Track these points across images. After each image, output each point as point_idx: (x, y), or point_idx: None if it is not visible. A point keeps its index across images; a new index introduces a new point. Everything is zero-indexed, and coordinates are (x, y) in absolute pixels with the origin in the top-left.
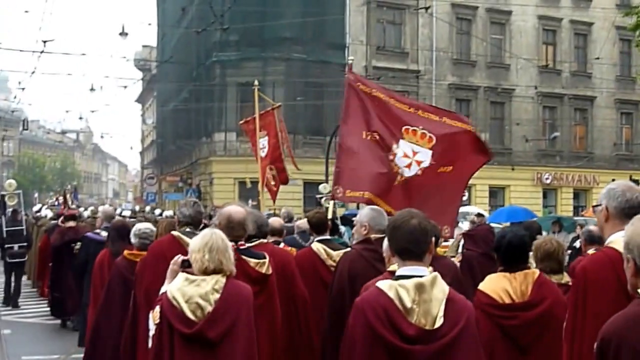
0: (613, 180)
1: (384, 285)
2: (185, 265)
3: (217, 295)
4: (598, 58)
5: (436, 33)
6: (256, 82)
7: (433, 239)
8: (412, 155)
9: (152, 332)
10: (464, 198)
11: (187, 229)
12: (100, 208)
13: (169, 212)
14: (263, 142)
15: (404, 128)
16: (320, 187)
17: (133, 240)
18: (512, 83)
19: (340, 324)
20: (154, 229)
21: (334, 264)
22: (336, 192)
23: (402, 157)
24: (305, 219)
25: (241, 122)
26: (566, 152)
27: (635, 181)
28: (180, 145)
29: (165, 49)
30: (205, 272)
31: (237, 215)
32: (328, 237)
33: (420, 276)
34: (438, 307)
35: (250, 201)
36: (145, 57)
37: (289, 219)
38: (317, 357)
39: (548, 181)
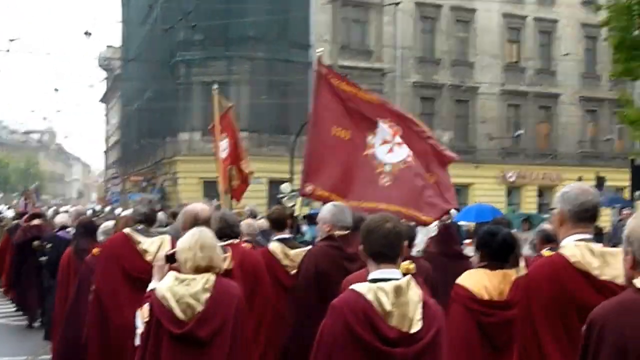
0: (580, 178)
1: (362, 288)
2: (170, 261)
3: (208, 295)
4: (567, 54)
5: (401, 31)
6: (215, 86)
7: (406, 242)
8: (391, 138)
9: (140, 330)
10: None
11: (140, 227)
12: (72, 209)
13: (129, 211)
14: (224, 144)
15: (380, 118)
16: (282, 186)
17: (101, 237)
18: (477, 81)
19: (306, 322)
20: None
21: (290, 264)
22: (306, 189)
23: (380, 144)
24: (264, 220)
25: (210, 127)
26: (530, 149)
27: (602, 178)
28: (144, 145)
29: (130, 48)
30: (197, 270)
31: (203, 213)
32: (287, 235)
33: (397, 279)
34: (414, 310)
35: (215, 201)
36: (110, 57)
37: (253, 216)
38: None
39: (512, 179)
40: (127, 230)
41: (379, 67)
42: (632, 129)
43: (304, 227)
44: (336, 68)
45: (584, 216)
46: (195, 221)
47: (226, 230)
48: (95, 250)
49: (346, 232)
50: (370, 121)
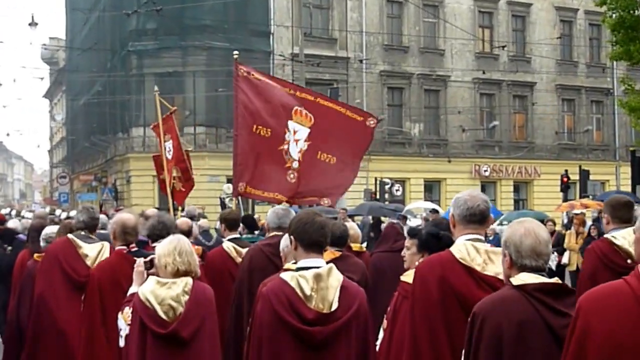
0: (566, 172)
1: (286, 276)
2: (148, 267)
3: (187, 297)
4: (553, 38)
5: (366, 17)
6: (156, 88)
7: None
8: (293, 135)
9: (124, 332)
10: (398, 192)
11: (82, 233)
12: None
13: (73, 213)
14: (169, 146)
15: (294, 109)
16: (224, 187)
17: (41, 243)
18: (447, 69)
19: (240, 314)
20: None
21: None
22: (239, 188)
23: (293, 141)
24: (204, 220)
25: (152, 125)
26: (505, 142)
27: (586, 172)
28: (94, 142)
29: (76, 39)
30: (176, 274)
31: (130, 221)
32: (237, 235)
33: (318, 267)
34: (333, 293)
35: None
36: (53, 49)
37: (191, 217)
38: None
39: (487, 174)
40: (70, 235)
41: (344, 55)
42: (634, 117)
43: None
44: (300, 56)
45: (472, 219)
46: (124, 229)
47: (163, 232)
48: (36, 255)
49: (280, 232)
50: (286, 119)
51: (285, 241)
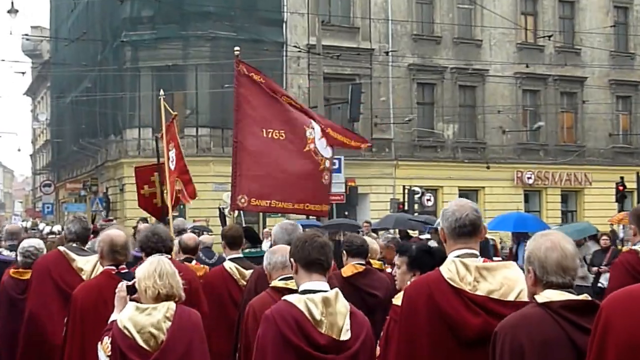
0: (622, 179)
1: (293, 298)
2: (131, 292)
3: (169, 324)
4: (606, 27)
5: (392, 3)
6: (162, 92)
7: None
8: (319, 133)
9: None
10: (429, 203)
11: (74, 245)
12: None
13: (57, 227)
14: (172, 155)
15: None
16: (224, 195)
17: (18, 258)
18: (485, 62)
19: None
20: (41, 246)
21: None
22: (239, 202)
23: (320, 138)
24: (207, 235)
25: (160, 134)
26: (552, 145)
27: None
28: (82, 146)
29: (61, 28)
30: (157, 298)
31: (119, 239)
32: (240, 255)
33: (325, 290)
34: (343, 320)
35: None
36: (36, 40)
37: (179, 231)
38: None
39: (530, 181)
40: (62, 247)
41: (367, 46)
42: None
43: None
44: (316, 48)
45: (461, 232)
46: (112, 247)
47: (158, 245)
48: (11, 271)
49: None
50: (306, 113)
51: (268, 257)
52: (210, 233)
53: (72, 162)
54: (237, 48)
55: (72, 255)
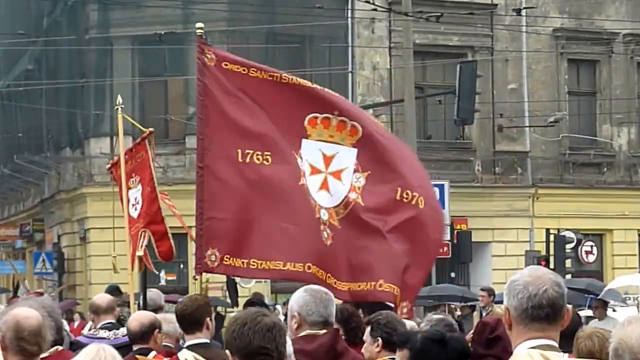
0: None
1: None
2: None
3: None
4: None
5: None
6: (119, 100)
7: None
8: (323, 164)
9: None
10: (590, 258)
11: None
12: None
13: None
14: (136, 195)
15: (308, 118)
16: None
17: None
18: None
19: None
20: None
21: None
22: (209, 260)
23: (309, 174)
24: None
25: (108, 165)
26: None
27: None
28: (19, 167)
29: None
30: None
31: (29, 322)
32: (203, 340)
33: None
34: None
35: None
36: None
37: (154, 309)
38: None
39: None
40: None
41: (485, 0)
42: None
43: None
44: (403, 4)
45: (536, 315)
46: (18, 333)
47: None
48: None
49: (321, 329)
50: (298, 135)
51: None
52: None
53: (2, 193)
54: (199, 25)
55: None
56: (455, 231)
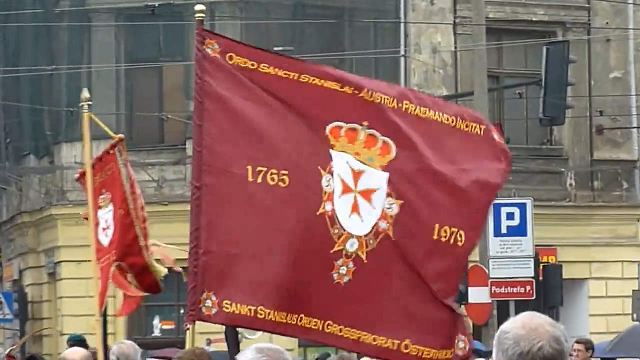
0: None
1: None
2: None
3: None
4: None
5: None
6: (85, 93)
7: None
8: (352, 180)
9: None
10: None
11: None
12: None
13: None
14: (106, 217)
15: (330, 127)
16: None
17: None
18: None
19: None
20: None
21: None
22: (204, 306)
23: (341, 194)
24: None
25: (76, 175)
26: None
27: None
28: None
29: None
30: None
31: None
32: None
33: None
34: None
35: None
36: None
37: None
38: None
39: None
40: None
41: None
42: None
43: None
44: None
45: None
46: None
47: None
48: None
49: None
50: (321, 136)
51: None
52: None
53: None
54: (199, 7)
55: None
56: (541, 265)
